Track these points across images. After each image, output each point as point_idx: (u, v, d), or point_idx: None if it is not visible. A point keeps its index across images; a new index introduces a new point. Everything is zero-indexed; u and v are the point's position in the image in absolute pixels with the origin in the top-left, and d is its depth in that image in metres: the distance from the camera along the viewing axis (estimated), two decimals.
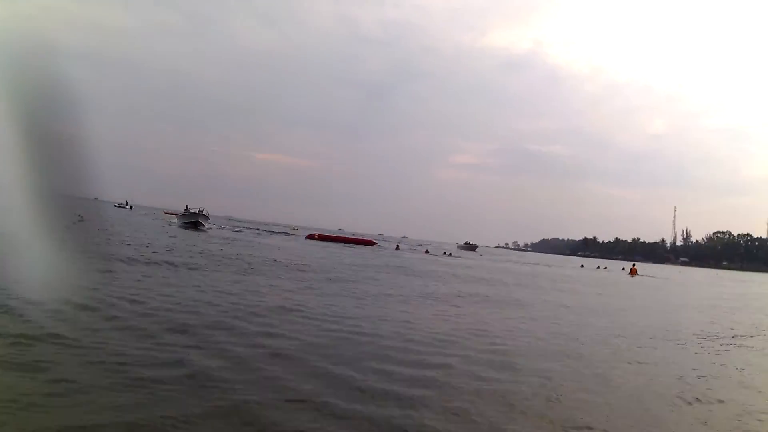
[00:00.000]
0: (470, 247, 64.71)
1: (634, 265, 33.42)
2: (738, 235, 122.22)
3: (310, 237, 36.20)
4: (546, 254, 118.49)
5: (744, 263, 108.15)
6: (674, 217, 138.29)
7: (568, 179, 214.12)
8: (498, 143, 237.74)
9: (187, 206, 32.86)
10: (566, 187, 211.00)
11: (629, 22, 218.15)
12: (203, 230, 29.75)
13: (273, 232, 44.43)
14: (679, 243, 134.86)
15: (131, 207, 55.38)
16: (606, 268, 40.19)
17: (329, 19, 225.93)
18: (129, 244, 14.12)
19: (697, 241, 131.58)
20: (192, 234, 25.22)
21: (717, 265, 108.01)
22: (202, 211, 31.97)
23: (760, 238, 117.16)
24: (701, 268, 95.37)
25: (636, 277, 28.79)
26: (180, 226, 30.65)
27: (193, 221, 31.20)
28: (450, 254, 37.68)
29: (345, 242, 36.85)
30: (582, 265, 42.93)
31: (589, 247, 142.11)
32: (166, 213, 49.48)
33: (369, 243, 38.16)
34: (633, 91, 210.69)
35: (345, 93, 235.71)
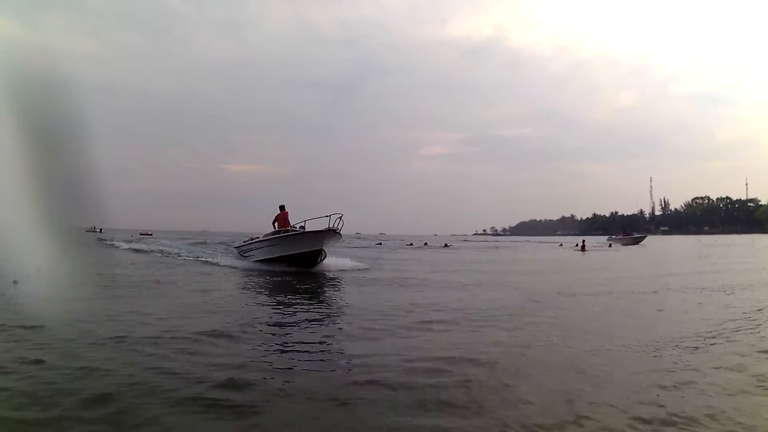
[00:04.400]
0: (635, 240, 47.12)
1: (583, 241, 34.73)
2: (717, 199, 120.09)
3: None
4: (522, 237, 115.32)
5: (725, 226, 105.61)
6: (651, 187, 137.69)
7: (541, 161, 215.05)
8: (467, 132, 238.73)
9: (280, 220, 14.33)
10: (539, 168, 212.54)
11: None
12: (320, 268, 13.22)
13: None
14: (658, 212, 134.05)
15: (101, 230, 50.32)
16: (578, 245, 39.09)
17: (288, 24, 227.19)
18: None
19: (675, 209, 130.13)
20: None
21: (698, 231, 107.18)
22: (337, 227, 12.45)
23: (740, 200, 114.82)
24: (683, 235, 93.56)
25: (586, 252, 29.37)
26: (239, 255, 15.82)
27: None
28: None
29: None
30: (561, 244, 42.90)
31: (567, 226, 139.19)
32: (142, 234, 47.43)
33: None
34: (598, 66, 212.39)
35: (308, 96, 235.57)
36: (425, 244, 39.25)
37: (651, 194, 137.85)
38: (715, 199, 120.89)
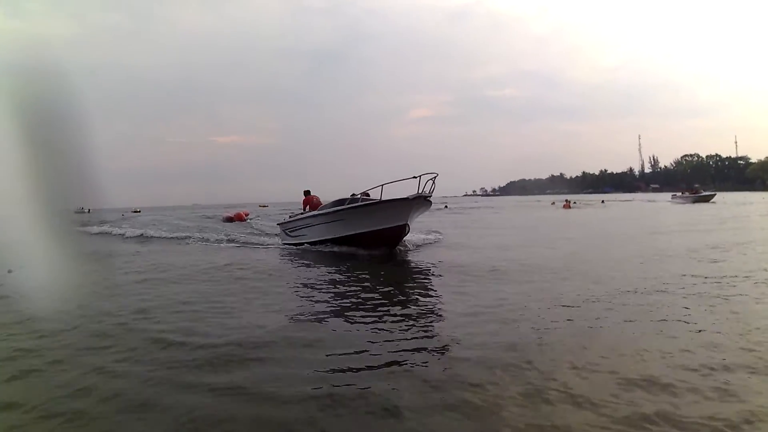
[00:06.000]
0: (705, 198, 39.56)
1: (567, 200, 35.59)
2: (707, 156, 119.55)
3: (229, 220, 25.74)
4: (512, 196, 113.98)
5: (716, 184, 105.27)
6: (639, 145, 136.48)
7: (527, 120, 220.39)
8: (452, 94, 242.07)
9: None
10: (526, 128, 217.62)
11: None
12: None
13: None
14: (647, 170, 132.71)
15: (89, 211, 50.39)
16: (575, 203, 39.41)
17: None
18: None
19: (665, 166, 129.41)
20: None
21: (689, 188, 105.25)
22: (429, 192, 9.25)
23: (729, 157, 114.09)
24: (672, 192, 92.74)
25: (569, 210, 30.17)
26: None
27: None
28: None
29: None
30: (553, 203, 43.15)
31: (556, 184, 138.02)
32: (134, 212, 49.91)
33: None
34: (582, 27, 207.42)
35: (292, 66, 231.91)
36: None
37: (640, 152, 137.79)
38: (704, 157, 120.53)
